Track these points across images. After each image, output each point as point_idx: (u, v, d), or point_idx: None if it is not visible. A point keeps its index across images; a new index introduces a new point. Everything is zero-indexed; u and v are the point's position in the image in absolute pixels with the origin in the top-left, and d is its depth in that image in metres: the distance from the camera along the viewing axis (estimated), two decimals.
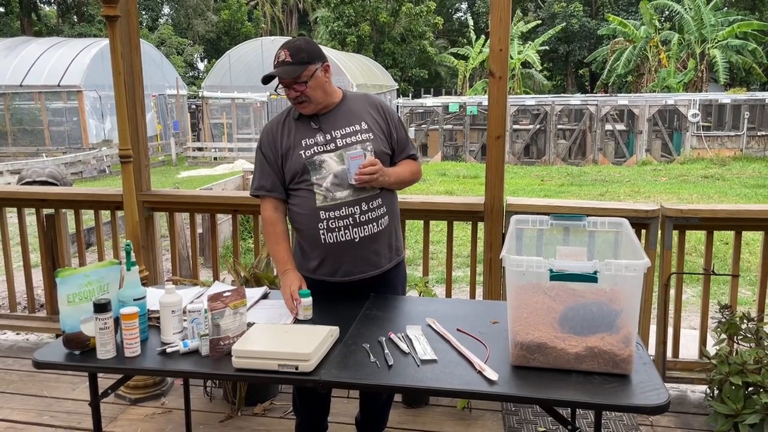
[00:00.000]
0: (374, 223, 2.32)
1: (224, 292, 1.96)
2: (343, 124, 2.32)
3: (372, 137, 2.32)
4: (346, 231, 2.28)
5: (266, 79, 2.27)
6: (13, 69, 19.25)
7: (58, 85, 18.88)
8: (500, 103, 3.06)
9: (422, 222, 3.47)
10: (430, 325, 2.14)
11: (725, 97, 18.72)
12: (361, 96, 2.45)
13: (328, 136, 2.30)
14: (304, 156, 2.29)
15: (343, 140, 2.30)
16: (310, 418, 2.58)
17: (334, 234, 2.29)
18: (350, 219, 2.28)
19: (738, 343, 2.91)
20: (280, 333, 1.99)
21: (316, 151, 2.29)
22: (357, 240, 2.30)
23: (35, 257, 4.61)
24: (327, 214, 2.27)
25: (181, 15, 36.96)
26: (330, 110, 2.34)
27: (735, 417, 2.60)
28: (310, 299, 2.18)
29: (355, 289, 2.37)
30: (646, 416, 2.94)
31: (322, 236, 2.30)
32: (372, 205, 2.30)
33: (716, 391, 2.79)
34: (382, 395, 2.57)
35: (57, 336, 3.44)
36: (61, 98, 19.09)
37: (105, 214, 3.94)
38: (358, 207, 2.28)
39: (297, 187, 2.33)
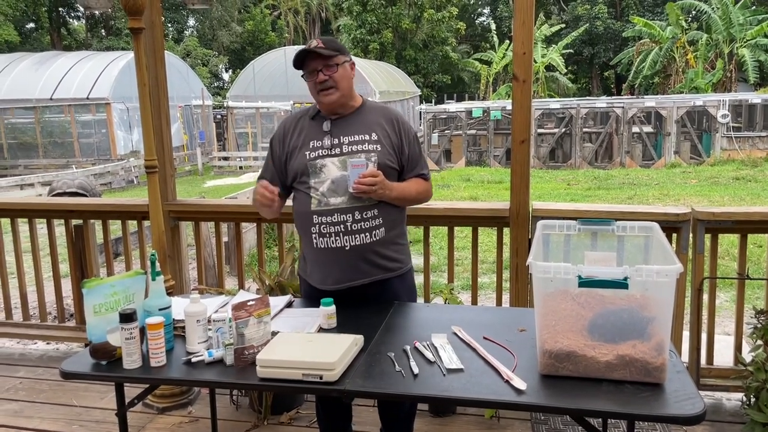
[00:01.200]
0: (367, 233, 2.29)
1: (248, 301, 1.95)
2: (353, 132, 2.32)
3: (379, 149, 2.31)
4: (337, 238, 2.27)
5: (298, 62, 2.28)
6: (44, 83, 19.69)
7: (87, 98, 19.25)
8: (524, 107, 3.02)
9: (446, 228, 3.44)
10: (455, 333, 2.10)
11: (755, 97, 18.33)
12: (379, 107, 2.44)
13: (335, 141, 2.31)
14: (308, 157, 2.31)
15: (349, 147, 2.30)
16: (334, 426, 2.56)
17: (325, 239, 2.29)
18: (342, 226, 2.27)
19: None
20: (305, 342, 1.97)
21: (320, 154, 2.30)
22: (347, 248, 2.28)
23: (65, 267, 4.67)
24: (320, 218, 2.28)
25: (206, 26, 37.49)
26: (344, 116, 2.35)
27: None
28: (333, 308, 2.17)
29: (350, 298, 2.32)
30: (680, 426, 2.87)
31: (314, 240, 2.31)
32: (366, 215, 2.28)
33: (753, 399, 2.71)
34: (405, 405, 2.53)
35: (86, 345, 3.48)
36: (90, 111, 19.47)
37: (132, 224, 3.99)
38: (350, 215, 2.27)
39: (297, 188, 2.36)
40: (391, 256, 2.38)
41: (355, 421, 2.74)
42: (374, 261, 2.33)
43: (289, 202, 2.49)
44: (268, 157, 2.46)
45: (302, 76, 2.33)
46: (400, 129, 2.38)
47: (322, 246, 2.30)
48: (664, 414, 1.62)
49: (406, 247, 2.47)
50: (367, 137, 2.32)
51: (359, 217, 2.27)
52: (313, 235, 2.30)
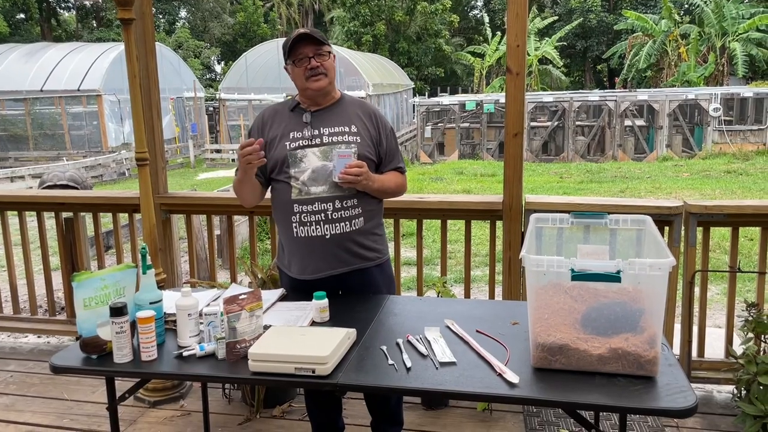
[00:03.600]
0: (347, 222, 2.32)
1: (240, 294, 1.94)
2: (333, 123, 2.35)
3: (359, 140, 2.34)
4: (318, 226, 2.30)
5: (291, 48, 2.29)
6: (34, 74, 19.53)
7: (78, 90, 19.12)
8: (517, 100, 3.01)
9: (440, 221, 3.43)
10: (448, 327, 2.10)
11: (747, 91, 18.42)
12: (357, 101, 2.48)
13: (316, 132, 2.34)
14: (288, 147, 2.33)
15: (329, 138, 2.33)
16: (325, 418, 2.57)
17: (306, 228, 2.31)
18: (322, 215, 2.29)
19: (766, 342, 2.83)
20: (297, 336, 1.96)
21: (301, 144, 2.32)
22: (328, 237, 2.31)
23: (55, 260, 4.64)
24: (300, 207, 2.30)
25: (198, 18, 37.24)
26: (324, 107, 2.37)
27: (764, 418, 2.54)
28: (326, 301, 2.16)
29: (329, 287, 2.31)
30: (672, 418, 2.88)
31: (295, 229, 2.33)
32: (346, 204, 2.32)
33: (744, 392, 2.72)
34: (392, 399, 2.55)
35: (77, 339, 3.47)
36: (80, 102, 19.34)
37: (123, 217, 3.96)
38: (331, 204, 2.30)
39: (277, 179, 2.37)
40: (370, 245, 2.41)
41: (347, 414, 2.75)
42: (353, 250, 2.35)
43: (267, 194, 2.50)
44: None
45: (286, 66, 2.34)
46: (378, 122, 2.42)
47: (303, 235, 2.32)
48: (656, 407, 1.63)
49: (383, 237, 2.51)
50: (346, 129, 2.35)
51: (340, 205, 2.30)
52: (294, 224, 2.32)
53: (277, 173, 2.36)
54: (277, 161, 2.34)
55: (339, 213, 2.31)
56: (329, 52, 2.32)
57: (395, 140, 2.49)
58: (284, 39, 2.53)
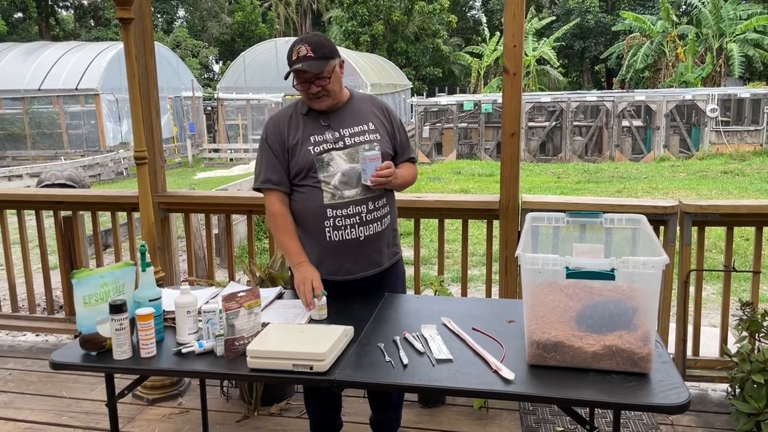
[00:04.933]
0: (378, 222, 2.34)
1: (239, 292, 1.96)
2: (352, 123, 2.34)
3: (379, 138, 2.35)
4: (352, 229, 2.29)
5: (289, 74, 2.27)
6: (32, 73, 19.50)
7: (76, 89, 19.10)
8: (515, 100, 3.03)
9: (437, 221, 3.45)
10: (445, 325, 2.12)
11: (744, 92, 18.42)
12: (366, 97, 2.48)
13: (337, 134, 2.31)
14: (312, 152, 2.28)
15: (352, 139, 2.31)
16: (324, 416, 2.58)
17: (340, 232, 2.29)
18: (357, 218, 2.29)
19: (760, 341, 2.85)
20: (295, 333, 1.98)
21: (325, 148, 2.29)
22: (362, 239, 2.31)
23: (54, 259, 4.65)
24: (334, 212, 2.28)
25: (196, 17, 37.19)
26: (338, 108, 2.35)
27: (757, 416, 2.56)
28: (324, 299, 2.18)
29: (355, 288, 2.36)
30: (666, 415, 2.90)
31: (328, 234, 2.30)
32: (377, 204, 2.33)
33: (738, 390, 2.75)
34: (393, 394, 2.57)
35: (75, 337, 3.48)
36: (78, 102, 19.31)
37: (121, 216, 3.97)
38: (364, 206, 2.30)
39: (302, 184, 2.32)
40: (393, 242, 2.45)
41: (345, 412, 2.76)
42: (382, 250, 2.39)
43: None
44: (269, 157, 2.35)
45: (293, 86, 2.28)
46: (390, 116, 2.44)
47: (337, 239, 2.30)
48: (650, 403, 1.65)
49: (398, 232, 2.55)
50: (365, 127, 2.34)
51: (372, 207, 2.32)
52: (327, 229, 2.29)
53: (303, 178, 2.30)
54: (302, 167, 2.29)
55: (372, 214, 2.31)
56: (329, 77, 2.23)
57: (405, 131, 2.51)
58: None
